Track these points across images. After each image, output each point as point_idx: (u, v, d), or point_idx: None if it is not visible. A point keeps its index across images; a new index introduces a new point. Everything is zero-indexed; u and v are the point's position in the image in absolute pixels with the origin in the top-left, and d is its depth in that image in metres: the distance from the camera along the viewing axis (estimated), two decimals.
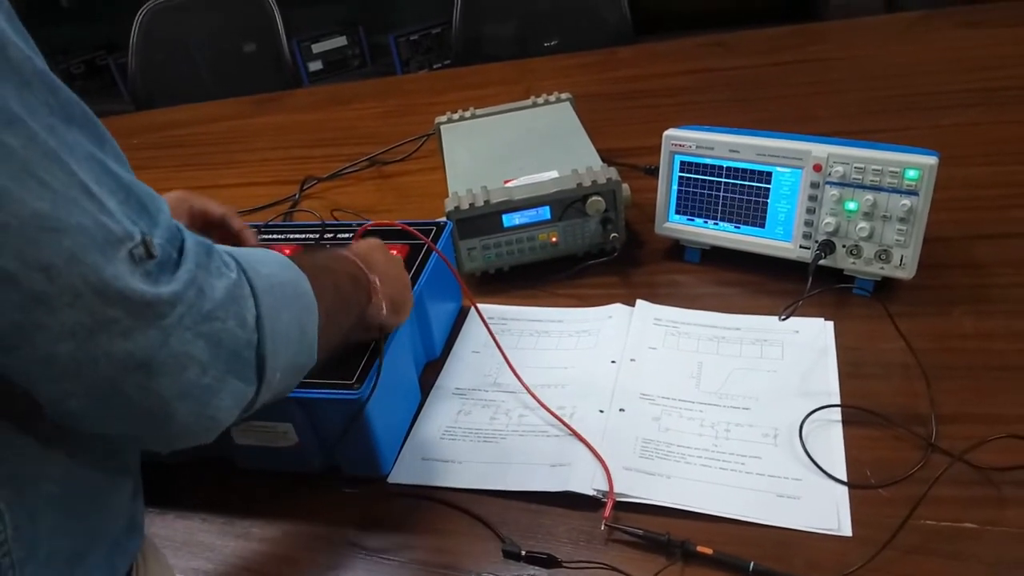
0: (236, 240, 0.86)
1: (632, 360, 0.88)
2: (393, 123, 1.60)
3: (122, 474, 0.59)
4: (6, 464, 0.47)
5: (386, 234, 0.96)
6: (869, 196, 0.86)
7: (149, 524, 0.78)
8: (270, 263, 0.54)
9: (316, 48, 3.52)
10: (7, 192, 0.38)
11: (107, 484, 0.56)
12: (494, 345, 0.94)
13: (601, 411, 0.82)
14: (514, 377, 0.87)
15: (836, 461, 0.73)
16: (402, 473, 0.79)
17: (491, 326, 0.97)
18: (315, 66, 3.61)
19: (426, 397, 0.88)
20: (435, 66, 3.35)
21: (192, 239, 0.47)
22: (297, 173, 1.42)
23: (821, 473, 0.71)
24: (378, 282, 0.71)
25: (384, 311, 0.72)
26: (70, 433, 0.47)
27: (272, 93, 1.90)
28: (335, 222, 1.13)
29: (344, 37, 3.53)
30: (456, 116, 1.28)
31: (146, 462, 0.78)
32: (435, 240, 0.95)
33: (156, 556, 0.66)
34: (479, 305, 0.95)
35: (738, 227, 0.97)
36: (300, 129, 1.68)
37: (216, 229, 0.85)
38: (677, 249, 1.05)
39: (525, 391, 0.86)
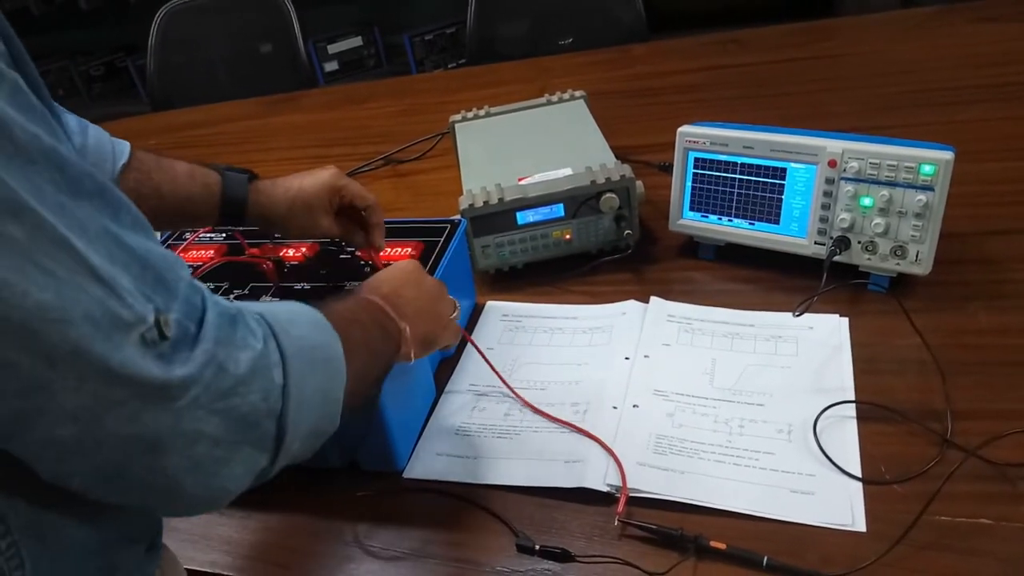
0: (365, 232, 0.88)
1: (646, 357, 0.88)
2: (407, 122, 1.61)
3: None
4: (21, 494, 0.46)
5: (399, 231, 0.97)
6: (884, 192, 0.86)
7: (165, 520, 0.80)
8: (303, 323, 0.52)
9: (332, 49, 3.54)
10: (8, 284, 0.36)
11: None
12: (508, 343, 0.95)
13: (615, 407, 0.82)
14: (526, 373, 0.88)
15: (850, 457, 0.72)
16: (417, 468, 0.80)
17: (505, 323, 0.98)
18: (331, 66, 3.63)
19: (440, 394, 0.89)
20: (450, 65, 3.36)
21: (214, 310, 0.45)
22: None
23: (835, 469, 0.71)
24: (408, 330, 0.67)
25: (412, 356, 0.69)
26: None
27: (288, 93, 1.91)
28: None
29: (359, 37, 3.55)
30: (470, 115, 1.29)
31: None
32: (449, 237, 0.96)
33: (173, 566, 0.66)
34: (491, 302, 0.95)
35: (752, 223, 0.97)
36: (316, 129, 1.70)
37: (353, 216, 0.88)
38: (691, 246, 1.05)
39: (535, 389, 0.86)
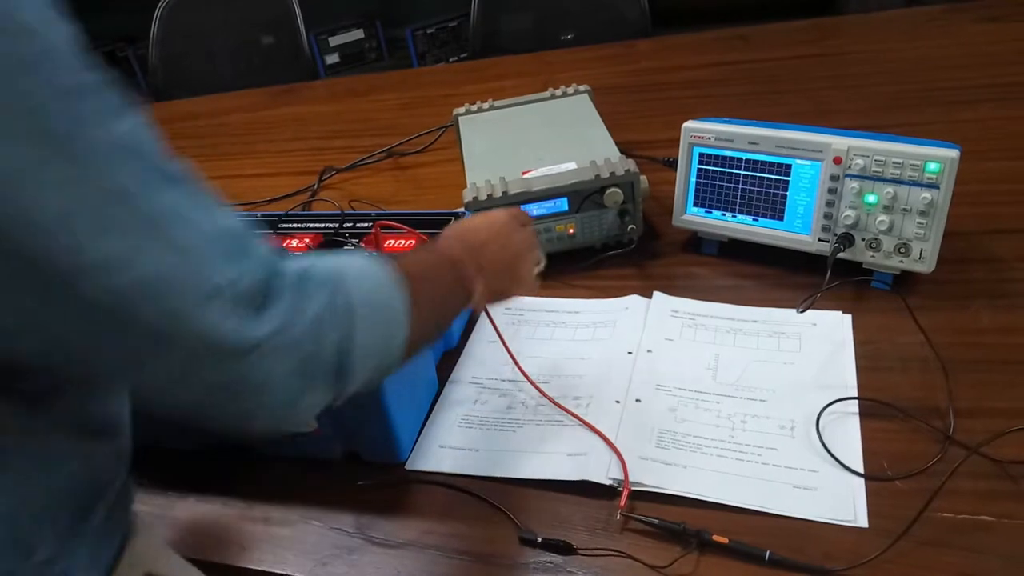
0: None
1: (649, 351, 0.88)
2: (411, 115, 1.61)
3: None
4: None
5: (402, 224, 0.97)
6: (889, 189, 0.86)
7: (169, 508, 0.80)
8: (369, 280, 0.55)
9: (333, 41, 3.53)
10: (115, 256, 0.41)
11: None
12: (511, 337, 0.94)
13: (617, 402, 0.82)
14: (529, 366, 0.88)
15: (853, 453, 0.73)
16: (420, 460, 0.80)
17: (508, 317, 0.98)
18: (332, 59, 3.61)
19: (443, 386, 0.89)
20: (451, 59, 3.35)
21: (288, 267, 0.49)
22: (315, 164, 1.43)
23: (838, 465, 0.71)
24: (480, 287, 0.69)
25: (479, 308, 0.75)
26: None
27: (290, 84, 1.91)
28: (353, 211, 1.14)
29: (361, 30, 3.54)
30: (474, 108, 1.28)
31: (170, 448, 0.79)
32: None
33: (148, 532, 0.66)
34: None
35: (756, 220, 0.97)
36: (318, 121, 1.69)
37: None
38: (695, 241, 1.05)
39: (538, 382, 0.86)
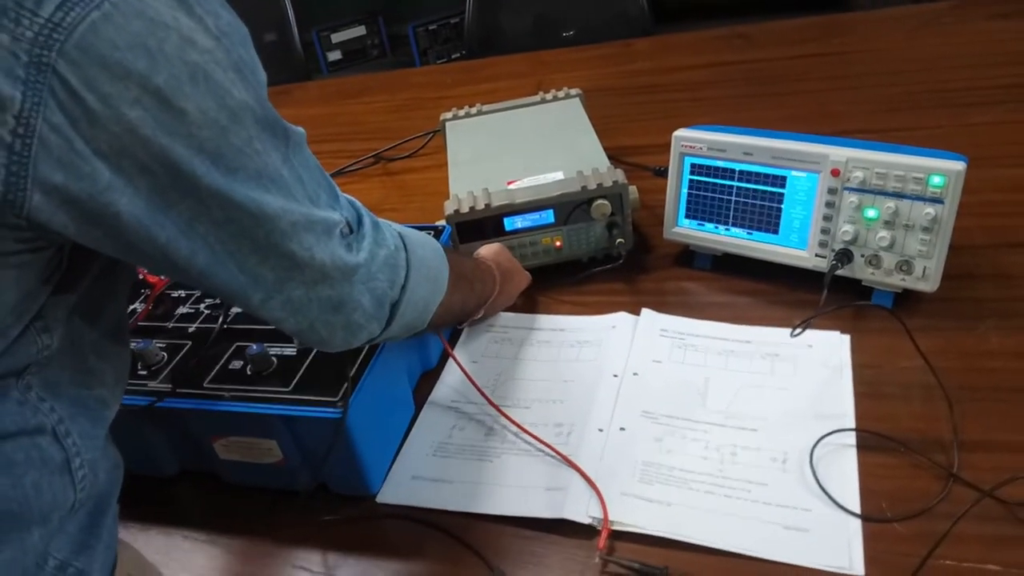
0: None
1: (635, 374, 0.84)
2: (402, 117, 1.56)
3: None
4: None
5: None
6: (891, 203, 0.81)
7: (131, 539, 0.76)
8: (427, 247, 0.69)
9: (335, 38, 3.50)
10: (282, 208, 0.52)
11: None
12: (493, 356, 0.90)
13: (600, 430, 0.78)
14: (510, 390, 0.84)
15: (849, 491, 0.68)
16: (391, 492, 0.76)
17: (491, 334, 0.93)
18: (334, 56, 3.60)
19: (420, 410, 0.85)
20: (454, 56, 3.31)
21: (366, 213, 0.62)
22: None
23: (832, 504, 0.67)
24: (497, 291, 0.89)
25: (483, 312, 0.90)
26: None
27: (282, 86, 1.86)
28: None
29: (363, 27, 3.51)
30: (462, 113, 1.24)
31: (134, 474, 0.75)
32: None
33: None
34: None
35: (750, 233, 0.92)
36: (307, 124, 1.62)
37: None
38: (686, 255, 1.00)
39: (519, 407, 0.82)
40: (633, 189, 0.97)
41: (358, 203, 0.62)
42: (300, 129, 0.56)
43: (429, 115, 1.45)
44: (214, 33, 0.47)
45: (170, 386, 0.75)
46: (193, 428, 0.76)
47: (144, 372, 0.78)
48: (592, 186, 0.95)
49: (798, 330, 0.79)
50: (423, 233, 0.71)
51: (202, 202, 0.49)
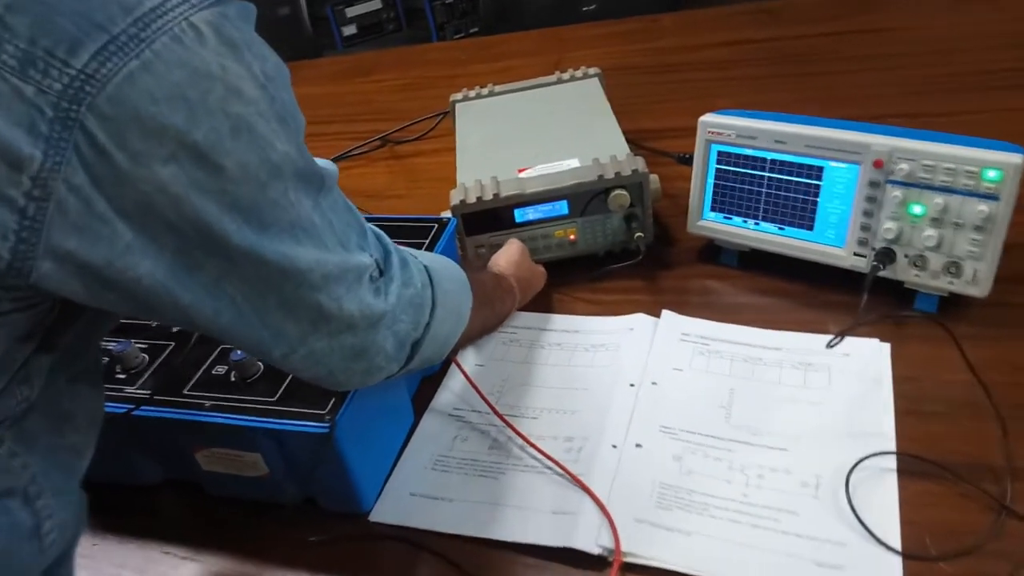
0: None
1: (653, 384, 0.77)
2: (412, 97, 1.49)
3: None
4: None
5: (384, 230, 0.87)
6: (939, 199, 0.73)
7: (107, 552, 0.71)
8: (453, 280, 0.65)
9: (350, 12, 3.44)
10: (315, 260, 0.48)
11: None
12: (500, 358, 0.84)
13: (614, 446, 0.71)
14: (518, 397, 0.77)
15: (889, 523, 0.61)
16: (385, 510, 0.70)
17: (499, 335, 0.87)
18: (349, 30, 3.54)
19: (420, 417, 0.79)
20: (471, 31, 3.23)
21: (394, 251, 0.57)
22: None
23: (870, 537, 0.60)
24: (518, 298, 0.86)
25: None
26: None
27: (290, 63, 1.79)
28: None
29: (379, 0, 3.43)
30: (472, 94, 1.17)
31: (112, 482, 0.71)
32: (436, 238, 0.85)
33: None
34: None
35: (782, 228, 0.84)
36: (314, 103, 1.58)
37: None
38: (711, 250, 0.92)
39: (526, 417, 0.76)
40: (654, 178, 0.90)
41: (385, 237, 0.58)
42: (332, 168, 0.53)
43: (440, 94, 1.37)
44: (260, 80, 0.43)
45: (148, 392, 0.70)
46: (173, 437, 0.71)
47: (123, 376, 0.72)
48: (609, 175, 0.88)
49: (834, 341, 0.71)
50: (447, 261, 0.68)
51: (231, 260, 0.45)
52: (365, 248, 0.54)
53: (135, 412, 0.68)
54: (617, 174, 0.88)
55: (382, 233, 0.58)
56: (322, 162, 0.52)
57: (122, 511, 0.74)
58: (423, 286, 0.59)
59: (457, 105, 1.15)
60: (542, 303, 0.91)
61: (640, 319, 0.85)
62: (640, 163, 0.88)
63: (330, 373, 0.55)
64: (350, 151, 1.32)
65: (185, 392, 0.69)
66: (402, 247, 0.61)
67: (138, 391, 0.71)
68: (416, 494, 0.71)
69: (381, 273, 0.55)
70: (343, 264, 0.50)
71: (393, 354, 0.57)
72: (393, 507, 0.70)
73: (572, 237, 0.92)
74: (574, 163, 0.92)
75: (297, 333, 0.51)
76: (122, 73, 0.37)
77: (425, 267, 0.61)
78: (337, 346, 0.53)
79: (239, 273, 0.46)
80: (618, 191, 0.88)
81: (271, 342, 0.50)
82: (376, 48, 3.46)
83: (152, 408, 0.68)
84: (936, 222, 0.74)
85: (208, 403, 0.68)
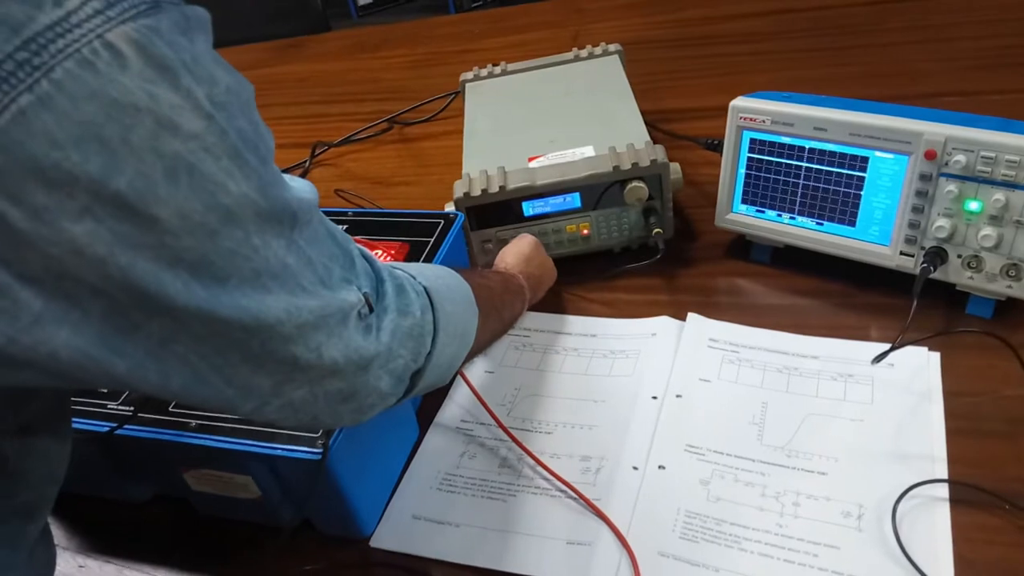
0: None
1: (678, 396, 0.71)
2: (422, 75, 1.42)
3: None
4: None
5: (381, 228, 0.81)
6: (999, 195, 0.66)
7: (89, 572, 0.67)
8: (456, 299, 0.58)
9: None
10: (286, 310, 0.40)
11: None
12: (512, 365, 0.78)
13: (635, 468, 0.65)
14: (531, 409, 0.72)
15: (941, 560, 0.55)
16: (386, 535, 0.65)
17: (509, 339, 0.81)
18: (364, 0, 3.48)
19: (425, 431, 0.73)
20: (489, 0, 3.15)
21: (388, 278, 0.50)
22: (311, 135, 1.26)
23: None
24: (529, 298, 0.77)
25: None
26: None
27: (296, 38, 1.73)
28: (326, 210, 0.97)
29: None
30: (484, 73, 1.10)
31: (98, 497, 0.67)
32: (443, 234, 0.79)
33: None
34: None
35: (821, 224, 0.77)
36: (320, 81, 1.52)
37: None
38: (742, 246, 0.85)
39: (540, 432, 0.70)
40: (675, 167, 0.83)
41: (376, 262, 0.51)
42: (309, 195, 0.44)
43: (451, 72, 1.30)
44: (205, 109, 0.35)
45: (131, 409, 0.65)
46: (160, 457, 0.66)
47: (104, 390, 0.67)
48: (626, 165, 0.81)
49: (880, 357, 0.65)
50: (447, 273, 0.59)
51: (177, 320, 0.37)
52: (352, 281, 0.46)
53: (118, 432, 0.63)
54: (634, 165, 0.80)
55: (372, 256, 0.51)
56: (297, 183, 0.44)
57: (106, 527, 0.70)
58: (423, 312, 0.52)
59: (467, 85, 1.08)
60: (556, 302, 0.84)
61: (663, 322, 0.78)
62: (660, 152, 0.81)
63: (314, 419, 0.48)
64: (356, 134, 1.25)
65: (170, 410, 0.64)
66: (397, 266, 0.54)
67: (120, 407, 0.66)
68: (420, 517, 0.66)
69: (371, 308, 0.47)
70: (323, 308, 0.43)
71: (389, 391, 0.50)
72: (395, 532, 0.65)
73: (585, 232, 0.85)
74: (588, 151, 0.85)
75: (270, 385, 0.43)
76: (9, 112, 0.30)
77: (424, 288, 0.54)
78: (320, 392, 0.45)
79: (190, 332, 0.38)
80: (635, 183, 0.81)
81: (238, 399, 0.43)
82: (393, 17, 3.38)
83: (135, 427, 0.63)
84: (995, 220, 0.67)
85: (194, 423, 0.62)
